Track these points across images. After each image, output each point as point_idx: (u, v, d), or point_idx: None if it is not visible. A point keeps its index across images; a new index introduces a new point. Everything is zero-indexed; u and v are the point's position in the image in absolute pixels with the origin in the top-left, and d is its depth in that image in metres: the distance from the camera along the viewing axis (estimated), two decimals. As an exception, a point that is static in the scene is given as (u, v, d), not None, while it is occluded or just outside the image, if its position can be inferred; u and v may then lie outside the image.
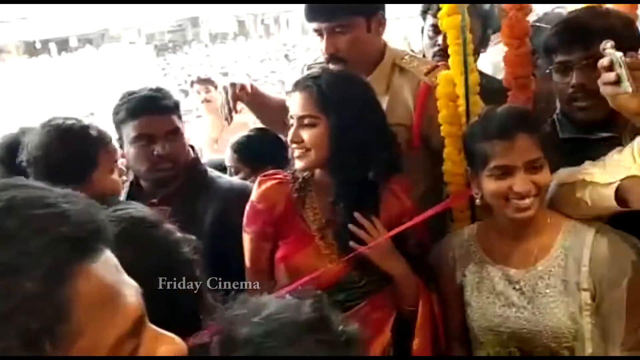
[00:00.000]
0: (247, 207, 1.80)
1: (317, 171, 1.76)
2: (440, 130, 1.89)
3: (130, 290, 0.70)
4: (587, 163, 1.63)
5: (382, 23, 2.01)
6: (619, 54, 1.43)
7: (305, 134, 1.69)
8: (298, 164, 1.72)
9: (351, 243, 1.69)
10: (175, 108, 1.99)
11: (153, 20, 10.02)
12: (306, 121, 1.68)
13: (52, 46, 9.54)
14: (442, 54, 2.32)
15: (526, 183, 1.51)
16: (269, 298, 1.03)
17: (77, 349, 0.63)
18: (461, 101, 1.83)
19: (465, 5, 1.81)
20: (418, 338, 1.71)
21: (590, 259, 1.53)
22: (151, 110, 1.92)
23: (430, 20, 2.44)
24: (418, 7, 2.57)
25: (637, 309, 1.51)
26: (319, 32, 1.97)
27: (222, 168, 2.48)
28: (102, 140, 1.57)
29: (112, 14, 9.00)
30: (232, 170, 2.49)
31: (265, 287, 1.71)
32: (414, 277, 1.73)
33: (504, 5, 1.96)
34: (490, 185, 1.56)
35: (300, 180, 1.77)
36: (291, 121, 1.72)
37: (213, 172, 2.15)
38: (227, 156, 2.53)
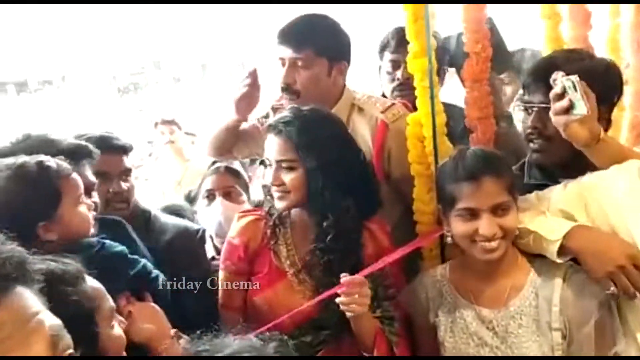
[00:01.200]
0: (225, 243, 1.84)
1: (294, 209, 1.77)
2: (400, 166, 1.96)
3: (35, 338, 0.72)
4: (534, 194, 1.65)
5: (342, 72, 2.06)
6: (574, 76, 1.45)
7: (285, 177, 1.70)
8: (279, 205, 1.74)
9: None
10: (128, 150, 2.06)
11: (115, 63, 9.96)
12: (284, 165, 1.71)
13: (11, 87, 9.39)
14: (402, 88, 2.38)
15: (492, 226, 1.53)
16: (233, 339, 1.04)
17: None
18: (428, 142, 1.86)
19: (433, 48, 1.85)
20: None
21: (561, 299, 1.55)
22: (107, 150, 1.95)
23: (388, 56, 2.50)
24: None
25: (605, 347, 1.53)
26: (282, 61, 2.02)
27: (178, 214, 2.42)
28: (62, 171, 1.53)
29: (72, 57, 8.92)
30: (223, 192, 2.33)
31: (237, 323, 1.68)
32: (371, 322, 1.68)
33: (465, 47, 2.00)
34: (457, 226, 1.59)
35: (275, 216, 1.79)
36: (268, 162, 1.74)
37: (156, 211, 2.19)
38: (218, 179, 2.35)
